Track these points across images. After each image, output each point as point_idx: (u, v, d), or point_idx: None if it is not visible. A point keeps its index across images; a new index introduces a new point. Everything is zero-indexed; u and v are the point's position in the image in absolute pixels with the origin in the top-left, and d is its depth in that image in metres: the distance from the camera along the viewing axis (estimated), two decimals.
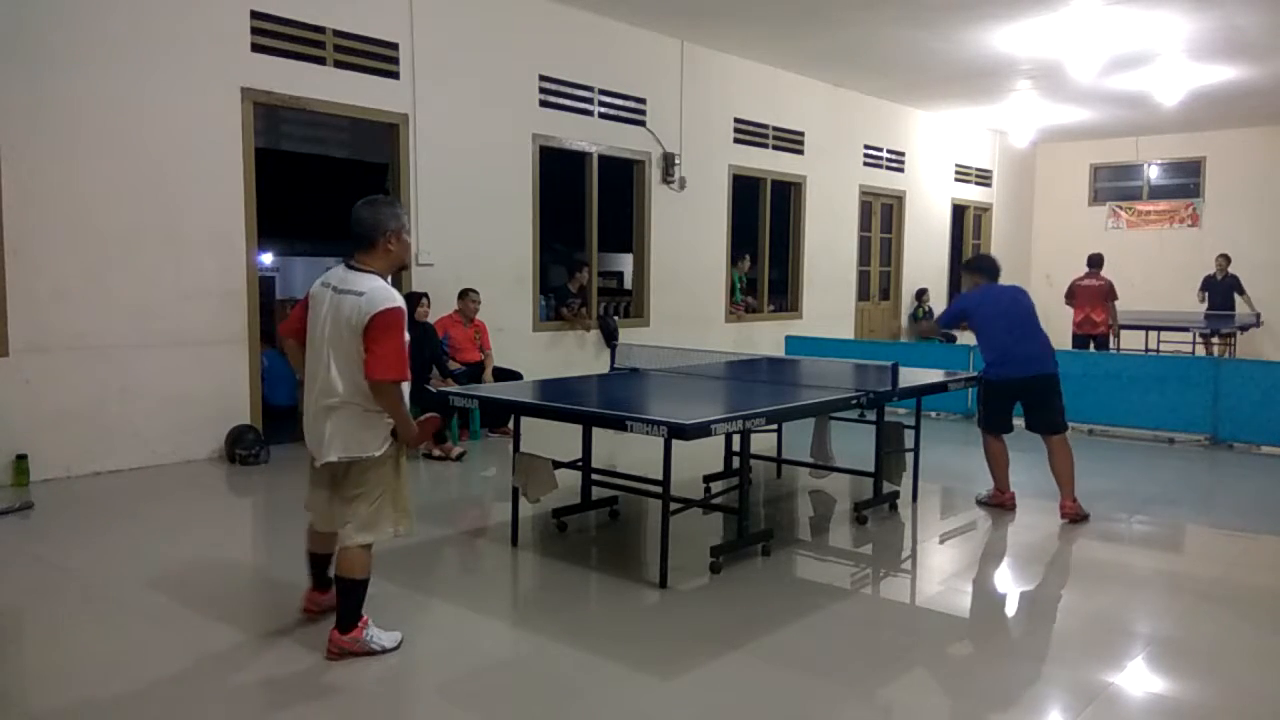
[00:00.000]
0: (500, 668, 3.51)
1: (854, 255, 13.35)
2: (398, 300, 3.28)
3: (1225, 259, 13.73)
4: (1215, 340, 13.27)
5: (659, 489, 4.35)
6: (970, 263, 6.16)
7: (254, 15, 6.86)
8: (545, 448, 4.91)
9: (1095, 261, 10.94)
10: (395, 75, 7.74)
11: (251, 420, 7.00)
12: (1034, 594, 4.47)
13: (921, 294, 14.46)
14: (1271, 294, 14.21)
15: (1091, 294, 10.81)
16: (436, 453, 6.96)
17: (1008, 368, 5.60)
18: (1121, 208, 16.80)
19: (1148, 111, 13.53)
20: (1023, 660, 3.66)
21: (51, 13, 5.96)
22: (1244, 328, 13.35)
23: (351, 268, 3.36)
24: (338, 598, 3.45)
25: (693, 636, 3.74)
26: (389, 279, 3.40)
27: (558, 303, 9.68)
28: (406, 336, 3.32)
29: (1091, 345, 10.84)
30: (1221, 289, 13.68)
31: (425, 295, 7.39)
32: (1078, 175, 17.18)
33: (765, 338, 11.52)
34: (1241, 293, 13.57)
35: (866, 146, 13.27)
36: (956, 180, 15.35)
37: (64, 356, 6.15)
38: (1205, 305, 13.78)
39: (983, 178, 16.07)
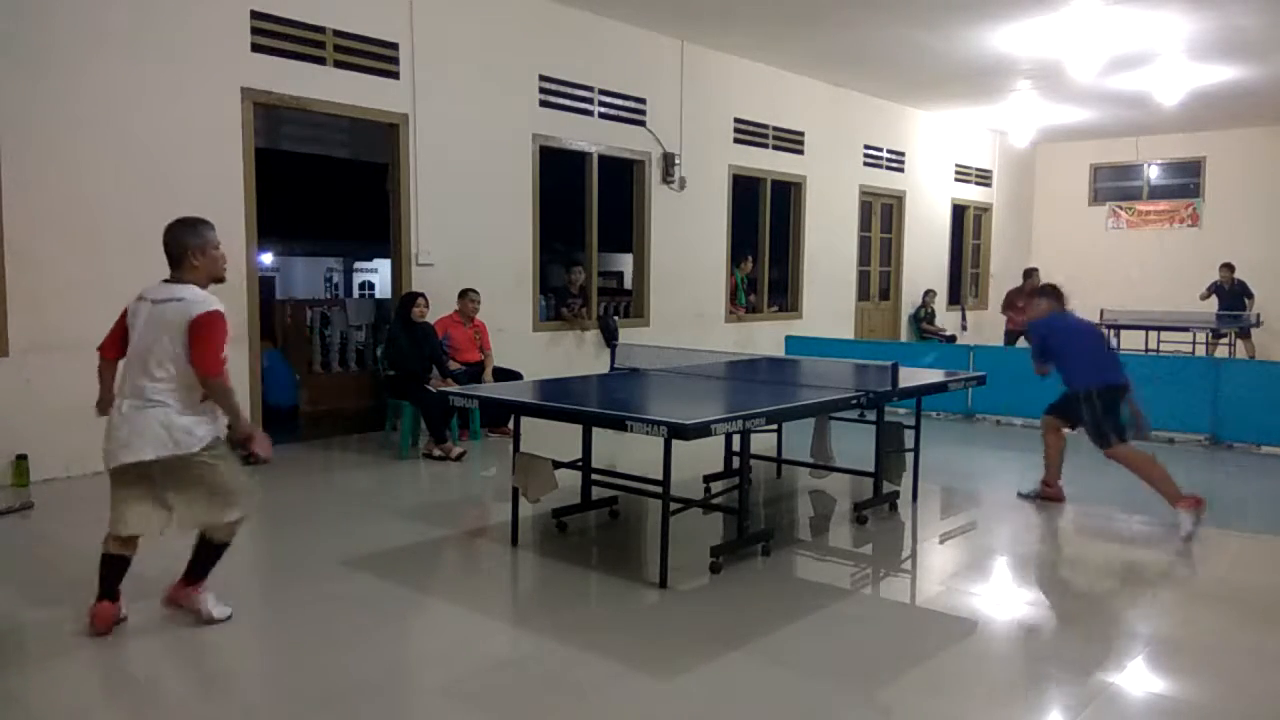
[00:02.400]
0: (500, 668, 3.51)
1: (854, 255, 13.34)
2: (217, 304, 3.69)
3: (1230, 268, 13.70)
4: (1238, 340, 13.37)
5: (659, 489, 4.34)
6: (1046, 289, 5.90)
7: (254, 15, 6.86)
8: (545, 448, 4.90)
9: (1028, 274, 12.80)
10: (395, 75, 7.74)
11: (251, 420, 6.98)
12: (1034, 594, 4.47)
13: (928, 295, 14.42)
14: (1272, 294, 14.21)
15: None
16: (436, 453, 6.96)
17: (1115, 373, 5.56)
18: (1121, 208, 16.80)
19: (1148, 111, 13.52)
20: (1023, 660, 3.66)
21: (51, 12, 5.96)
22: (1244, 329, 13.35)
23: (168, 281, 3.77)
24: (207, 558, 3.74)
25: (693, 636, 3.74)
26: (207, 289, 3.81)
27: (558, 303, 9.68)
28: (229, 335, 3.71)
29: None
30: (1231, 296, 13.70)
31: (422, 295, 7.39)
32: (1078, 175, 17.17)
33: (765, 338, 11.51)
34: (1251, 296, 13.58)
35: (866, 147, 13.26)
36: (956, 180, 15.36)
37: (64, 356, 6.14)
38: (1215, 308, 13.77)
39: (983, 178, 16.08)
